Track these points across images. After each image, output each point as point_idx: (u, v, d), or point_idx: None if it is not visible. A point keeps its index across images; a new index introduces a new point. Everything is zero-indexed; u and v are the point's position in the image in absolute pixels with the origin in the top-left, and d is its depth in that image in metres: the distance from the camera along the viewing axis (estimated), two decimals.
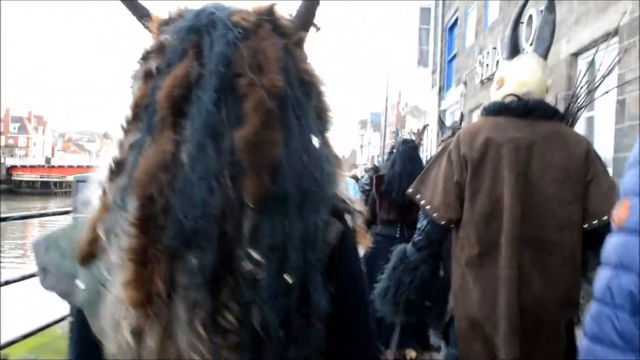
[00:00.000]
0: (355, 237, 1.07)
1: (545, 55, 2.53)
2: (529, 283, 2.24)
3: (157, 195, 0.88)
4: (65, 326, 4.26)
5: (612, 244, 0.97)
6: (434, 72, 17.65)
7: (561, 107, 2.81)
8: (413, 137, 5.22)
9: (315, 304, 0.90)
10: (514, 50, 2.59)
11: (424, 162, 5.10)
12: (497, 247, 2.28)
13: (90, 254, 0.91)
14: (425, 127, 5.94)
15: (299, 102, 0.95)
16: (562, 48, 8.01)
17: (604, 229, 2.10)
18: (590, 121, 7.40)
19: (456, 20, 15.63)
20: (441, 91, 16.57)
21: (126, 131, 0.95)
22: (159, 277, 0.87)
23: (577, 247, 2.29)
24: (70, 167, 62.93)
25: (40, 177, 62.30)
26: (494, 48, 11.02)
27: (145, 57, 0.98)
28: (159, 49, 0.96)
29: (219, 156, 0.89)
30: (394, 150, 5.10)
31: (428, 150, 14.71)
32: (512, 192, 2.27)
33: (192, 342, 0.87)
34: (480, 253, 2.31)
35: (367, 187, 5.19)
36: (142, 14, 1.06)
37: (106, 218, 0.91)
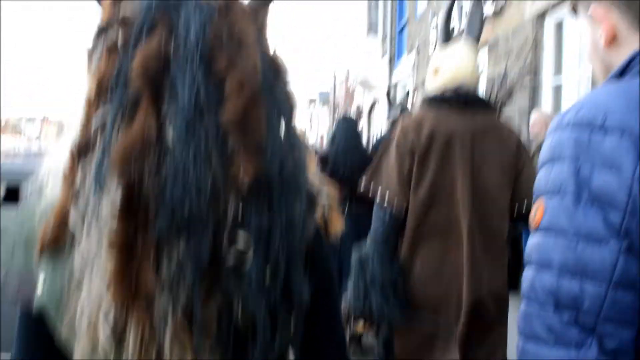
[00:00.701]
0: (329, 224, 1.05)
1: (477, 41, 2.70)
2: (480, 268, 2.42)
3: (145, 176, 0.83)
4: None
5: (531, 244, 1.03)
6: (384, 40, 16.72)
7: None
8: (352, 115, 5.33)
9: (298, 294, 0.90)
10: (447, 38, 2.75)
11: (375, 139, 5.54)
12: (437, 234, 2.47)
13: (57, 246, 0.85)
14: (373, 104, 6.30)
15: (272, 85, 0.95)
16: (527, 6, 7.07)
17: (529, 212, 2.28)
18: (557, 91, 6.53)
19: None
20: (392, 61, 15.65)
21: (90, 110, 0.89)
22: (148, 269, 0.83)
23: (507, 232, 2.56)
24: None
25: None
26: (461, 7, 10.01)
27: (103, 32, 0.93)
28: (121, 23, 0.91)
29: (207, 137, 0.86)
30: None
31: (377, 125, 13.90)
32: (463, 183, 2.43)
33: (174, 338, 0.84)
34: (418, 238, 2.49)
35: None
36: None
37: (76, 204, 0.85)
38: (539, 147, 5.08)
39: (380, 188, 2.55)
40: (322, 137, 22.85)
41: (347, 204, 4.51)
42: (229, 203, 0.86)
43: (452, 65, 2.59)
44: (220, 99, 0.88)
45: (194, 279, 0.84)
